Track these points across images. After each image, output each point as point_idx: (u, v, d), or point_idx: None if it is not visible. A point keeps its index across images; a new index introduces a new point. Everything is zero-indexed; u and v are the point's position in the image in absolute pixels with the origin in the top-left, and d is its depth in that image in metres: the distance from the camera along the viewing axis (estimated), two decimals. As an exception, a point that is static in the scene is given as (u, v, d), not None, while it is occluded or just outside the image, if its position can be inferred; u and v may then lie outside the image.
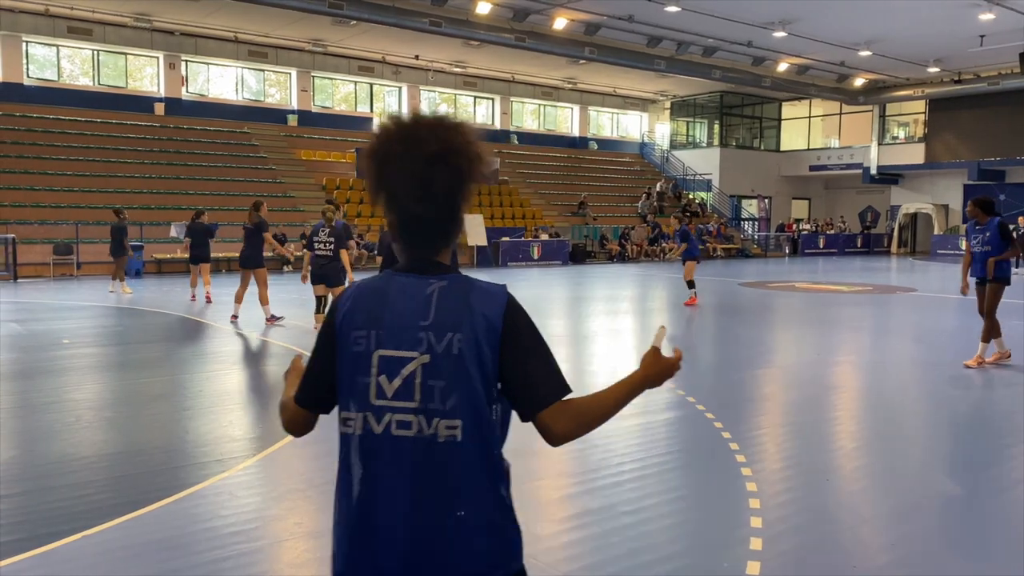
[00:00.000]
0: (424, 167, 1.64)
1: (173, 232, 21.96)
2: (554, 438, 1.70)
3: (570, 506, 4.44)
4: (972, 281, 8.73)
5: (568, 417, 1.67)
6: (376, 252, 9.75)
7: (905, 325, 12.79)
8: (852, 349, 10.34)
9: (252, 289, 11.92)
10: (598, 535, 4.01)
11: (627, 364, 9.11)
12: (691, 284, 14.52)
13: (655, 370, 1.80)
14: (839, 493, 4.74)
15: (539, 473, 5.03)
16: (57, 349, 9.57)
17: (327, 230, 10.20)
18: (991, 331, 8.46)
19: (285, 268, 21.93)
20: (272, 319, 11.51)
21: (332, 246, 10.14)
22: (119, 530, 4.02)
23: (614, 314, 13.74)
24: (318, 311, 10.53)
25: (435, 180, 1.65)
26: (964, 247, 9.26)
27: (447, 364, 1.63)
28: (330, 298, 10.24)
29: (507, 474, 1.77)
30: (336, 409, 1.78)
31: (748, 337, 11.03)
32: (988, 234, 8.38)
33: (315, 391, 1.81)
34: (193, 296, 15.00)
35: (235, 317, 11.86)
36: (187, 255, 15.63)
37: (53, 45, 26.49)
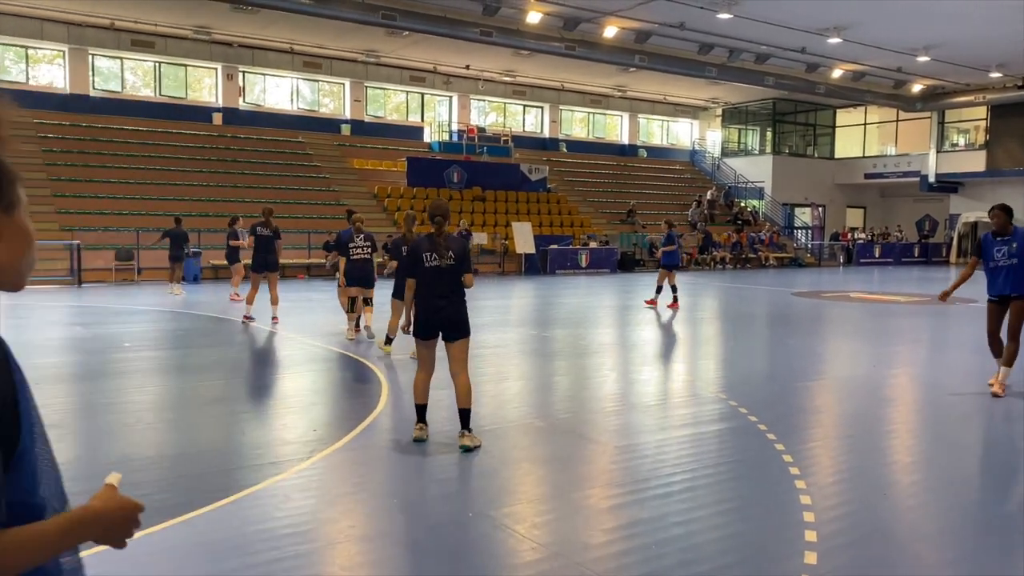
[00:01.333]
0: None
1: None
2: None
3: (620, 516, 4.42)
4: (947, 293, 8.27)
5: None
6: (390, 256, 9.90)
7: (964, 337, 12.43)
8: (909, 361, 10.10)
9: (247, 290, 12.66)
10: (648, 545, 3.99)
11: (677, 372, 9.04)
12: (659, 289, 15.22)
13: (113, 504, 1.37)
14: (896, 508, 4.64)
15: (588, 483, 5.03)
16: (119, 352, 9.86)
17: (362, 236, 10.73)
18: (1014, 354, 7.60)
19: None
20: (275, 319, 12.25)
21: (370, 249, 10.74)
22: (177, 529, 4.13)
23: (663, 323, 13.64)
24: (351, 310, 11.03)
25: None
26: (971, 260, 8.33)
27: None
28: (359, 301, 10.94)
29: None
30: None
31: (801, 348, 10.85)
32: (1015, 245, 7.54)
33: None
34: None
35: (274, 319, 12.37)
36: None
37: (117, 58, 27.39)
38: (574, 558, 3.82)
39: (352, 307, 11.03)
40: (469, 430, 5.62)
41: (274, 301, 12.33)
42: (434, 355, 5.82)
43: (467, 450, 5.47)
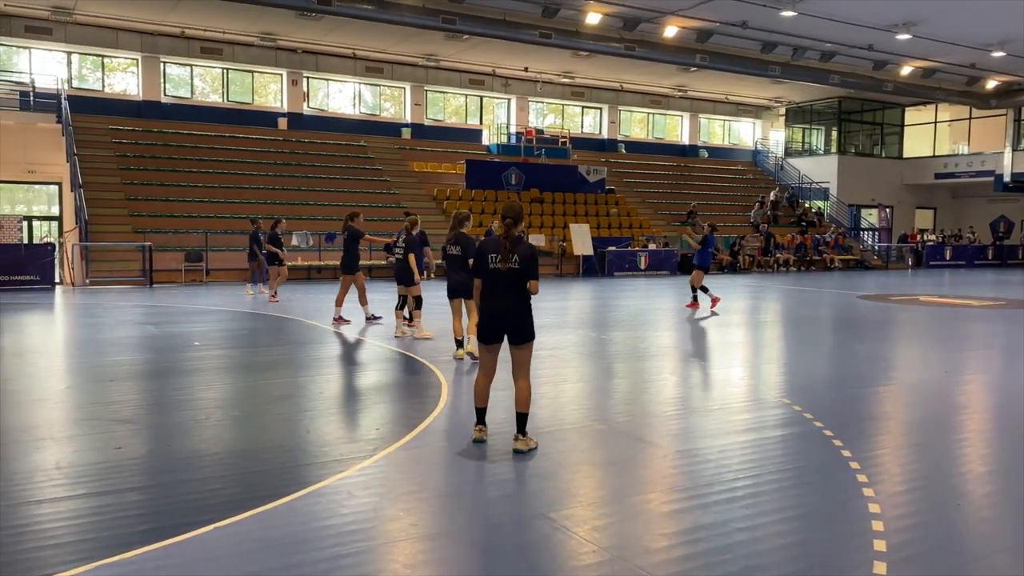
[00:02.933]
0: None
1: (295, 241, 22.95)
2: None
3: (681, 521, 4.38)
4: None
5: None
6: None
7: (1044, 343, 11.94)
8: (983, 367, 9.75)
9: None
10: (711, 551, 3.94)
11: (739, 376, 8.90)
12: (696, 289, 15.33)
13: None
14: (970, 519, 4.49)
15: (648, 487, 4.99)
16: (189, 350, 10.17)
17: (403, 238, 11.17)
18: None
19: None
20: (339, 320, 12.67)
21: (403, 252, 11.12)
22: (247, 523, 4.24)
23: (724, 326, 13.44)
24: (398, 307, 11.48)
25: None
26: None
27: None
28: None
29: None
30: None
31: (868, 352, 10.57)
32: None
33: None
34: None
35: (375, 317, 12.89)
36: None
37: (187, 65, 28.25)
38: (635, 562, 3.80)
39: (399, 305, 11.48)
40: (524, 434, 5.59)
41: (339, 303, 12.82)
42: (496, 360, 5.74)
43: (519, 453, 5.46)
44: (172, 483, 4.92)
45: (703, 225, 16.02)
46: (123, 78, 27.77)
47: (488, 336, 5.66)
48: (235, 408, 7.15)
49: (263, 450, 5.73)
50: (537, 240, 25.70)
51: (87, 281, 20.59)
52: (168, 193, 24.13)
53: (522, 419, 5.59)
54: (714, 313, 14.76)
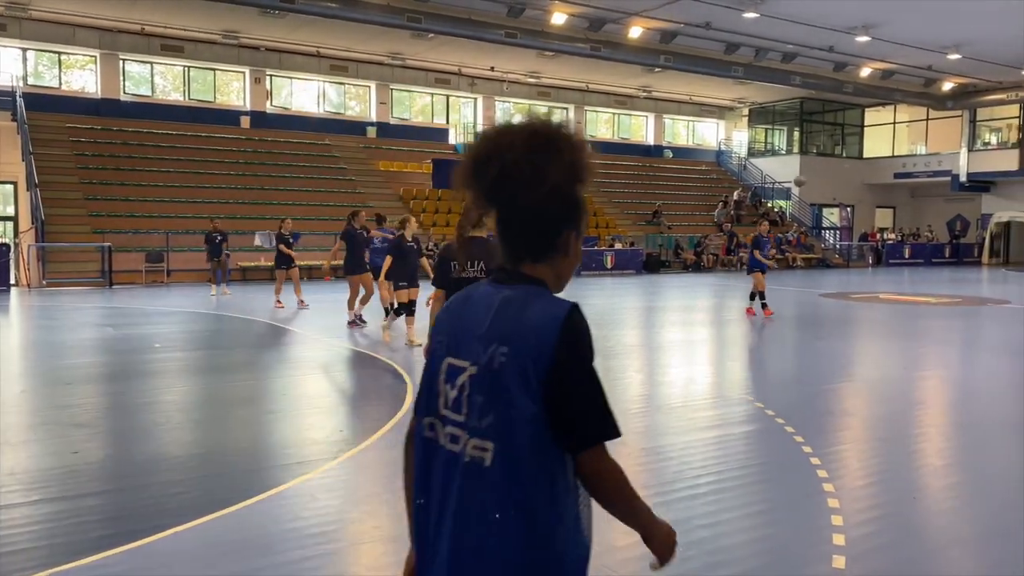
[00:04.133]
0: (500, 187, 1.59)
1: (258, 241, 22.69)
2: (584, 479, 1.54)
3: (645, 518, 4.40)
4: None
5: (589, 468, 1.52)
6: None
7: (997, 339, 12.23)
8: (940, 363, 9.95)
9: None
10: (674, 548, 3.96)
11: (702, 374, 8.98)
12: (756, 295, 14.00)
13: (667, 541, 1.65)
14: (928, 512, 4.58)
15: (614, 483, 5.01)
16: (149, 352, 10.00)
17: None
18: None
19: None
20: (354, 323, 12.30)
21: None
22: (207, 527, 4.17)
23: (689, 325, 13.56)
24: (401, 313, 10.87)
25: (519, 194, 1.58)
26: None
27: (487, 379, 1.52)
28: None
29: (555, 513, 1.51)
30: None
31: (829, 350, 10.73)
32: None
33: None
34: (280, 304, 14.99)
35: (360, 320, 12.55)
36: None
37: (148, 62, 27.79)
38: (600, 560, 3.80)
39: (401, 310, 10.81)
40: None
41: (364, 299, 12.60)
42: None
43: None
44: (131, 488, 4.83)
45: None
46: (81, 75, 27.24)
47: None
48: (196, 411, 7.05)
49: (224, 453, 5.65)
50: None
51: (44, 283, 20.16)
52: (128, 193, 23.71)
53: None
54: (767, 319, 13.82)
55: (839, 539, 4.04)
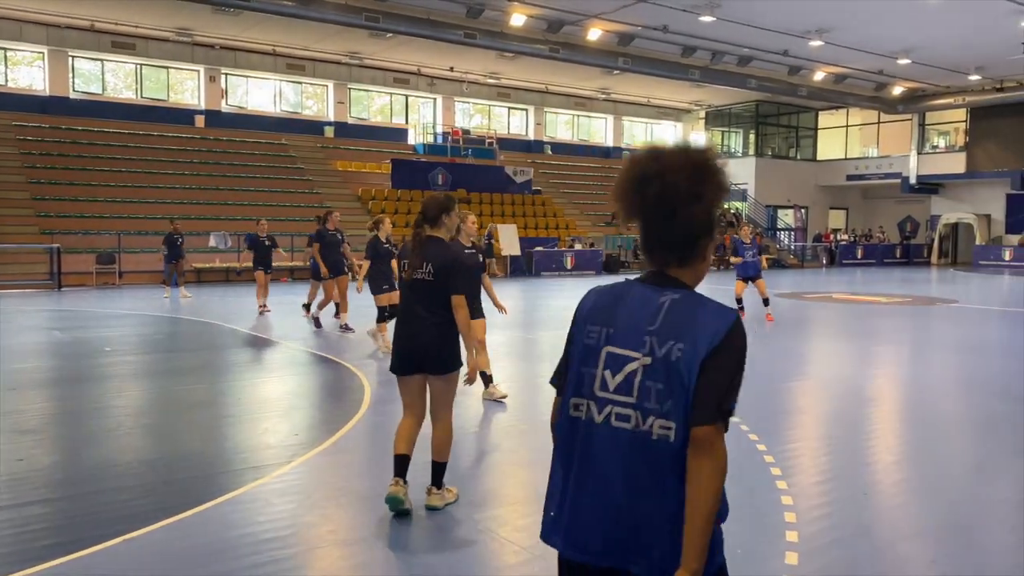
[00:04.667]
0: (660, 203, 1.86)
1: (212, 242, 22.34)
2: (692, 458, 1.78)
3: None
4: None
5: (701, 446, 1.77)
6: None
7: (946, 337, 12.54)
8: (891, 361, 10.17)
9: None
10: (631, 547, 3.98)
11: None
12: (766, 301, 13.48)
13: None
14: (878, 508, 4.66)
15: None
16: (99, 356, 9.77)
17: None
18: None
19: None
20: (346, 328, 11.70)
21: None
22: (158, 535, 4.09)
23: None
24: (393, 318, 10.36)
25: (671, 212, 1.86)
26: None
27: (664, 369, 1.80)
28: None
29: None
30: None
31: (784, 349, 10.90)
32: None
33: (562, 377, 2.01)
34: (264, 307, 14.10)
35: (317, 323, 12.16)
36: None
37: (98, 60, 27.18)
38: (556, 561, 3.81)
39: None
40: (440, 486, 4.45)
41: (343, 308, 11.98)
42: (420, 394, 4.45)
43: (434, 509, 4.40)
44: (79, 495, 4.71)
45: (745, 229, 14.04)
46: (28, 72, 26.54)
47: (403, 366, 4.39)
48: (148, 416, 6.91)
49: (177, 458, 5.54)
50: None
51: (-10, 285, 19.58)
52: (78, 193, 23.16)
53: (438, 469, 4.45)
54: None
55: (792, 536, 4.09)
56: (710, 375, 1.78)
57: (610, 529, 1.83)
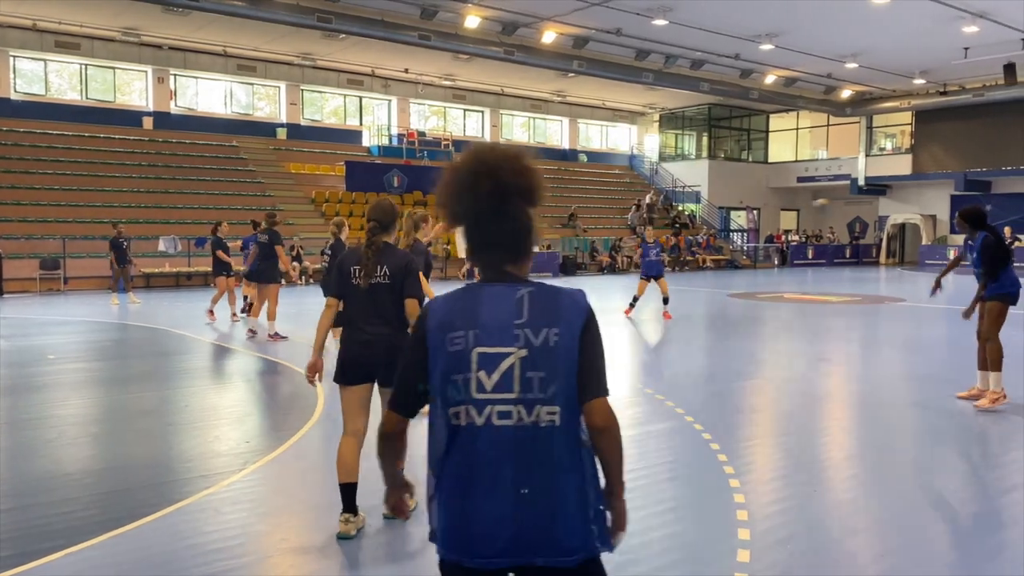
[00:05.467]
0: (495, 199, 1.96)
1: (162, 246, 21.90)
2: (590, 428, 1.93)
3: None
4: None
5: (602, 416, 1.92)
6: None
7: (894, 335, 12.84)
8: (841, 360, 10.36)
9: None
10: (586, 549, 3.98)
11: (615, 375, 9.10)
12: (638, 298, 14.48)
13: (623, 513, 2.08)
14: (828, 504, 4.74)
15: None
16: (42, 365, 9.49)
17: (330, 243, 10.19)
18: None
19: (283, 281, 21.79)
20: (275, 336, 11.24)
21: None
22: (103, 547, 3.97)
23: (602, 325, 13.72)
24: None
25: (506, 209, 1.97)
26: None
27: (544, 356, 1.90)
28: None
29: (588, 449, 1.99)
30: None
31: (737, 348, 11.04)
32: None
33: (409, 398, 2.04)
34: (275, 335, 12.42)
35: (278, 335, 11.31)
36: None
37: (40, 59, 26.44)
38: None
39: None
40: (354, 512, 4.20)
41: (270, 316, 11.50)
42: (363, 408, 4.33)
43: (346, 538, 4.12)
44: (22, 507, 4.56)
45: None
46: (-33, 72, 25.69)
47: (349, 374, 4.27)
48: (93, 425, 6.72)
49: (122, 468, 5.40)
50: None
51: (-73, 292, 18.92)
52: (20, 196, 22.50)
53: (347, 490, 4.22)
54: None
55: (744, 534, 4.13)
56: (587, 352, 1.93)
57: (512, 528, 1.88)
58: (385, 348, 4.20)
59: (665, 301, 14.23)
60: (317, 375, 4.40)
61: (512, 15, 23.16)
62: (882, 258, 36.82)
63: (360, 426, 4.32)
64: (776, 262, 35.84)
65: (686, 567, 3.81)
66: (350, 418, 4.33)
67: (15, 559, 3.79)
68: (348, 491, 4.19)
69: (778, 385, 8.52)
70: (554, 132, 39.25)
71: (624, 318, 14.22)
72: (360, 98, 33.09)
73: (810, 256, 35.88)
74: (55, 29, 25.19)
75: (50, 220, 22.00)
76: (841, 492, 4.99)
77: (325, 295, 4.52)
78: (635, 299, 14.39)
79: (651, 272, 14.32)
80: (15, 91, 25.98)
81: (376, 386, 4.31)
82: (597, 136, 40.87)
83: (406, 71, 31.12)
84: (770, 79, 31.11)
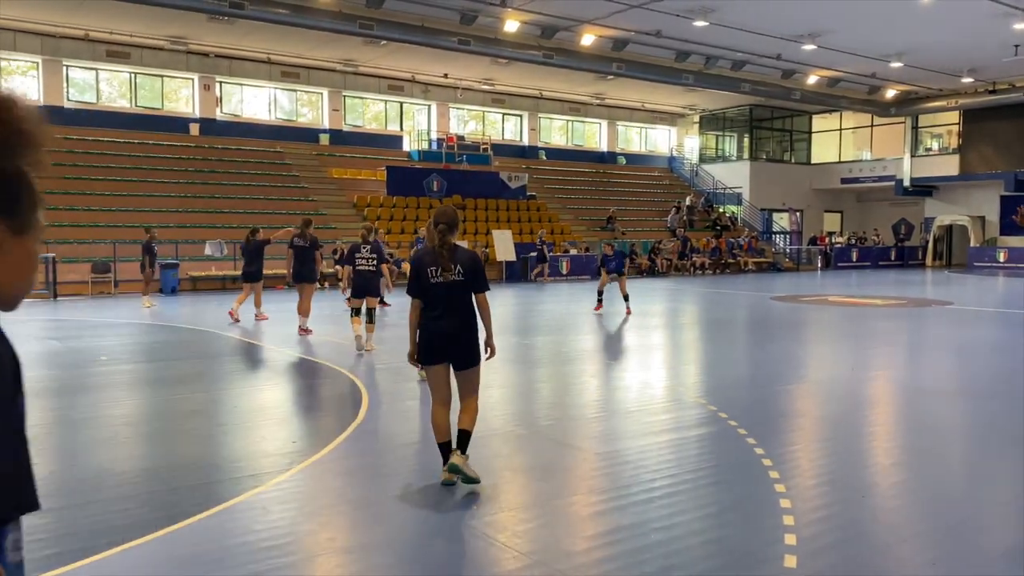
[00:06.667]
0: None
1: (208, 250, 22.32)
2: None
3: (601, 523, 4.42)
4: None
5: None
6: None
7: (941, 339, 12.58)
8: (887, 364, 10.19)
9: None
10: (630, 552, 3.99)
11: (657, 378, 9.07)
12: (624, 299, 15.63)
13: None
14: (876, 511, 4.67)
15: (569, 490, 5.03)
16: (95, 366, 9.75)
17: (368, 247, 10.62)
18: None
19: (325, 284, 22.28)
20: (305, 331, 11.99)
21: (375, 262, 10.64)
22: (156, 544, 4.08)
23: (643, 329, 13.68)
24: (355, 316, 10.70)
25: None
26: None
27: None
28: (364, 307, 10.58)
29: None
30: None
31: (780, 352, 10.92)
32: None
33: None
34: (232, 314, 14.24)
35: (307, 331, 12.12)
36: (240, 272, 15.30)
37: (92, 69, 27.16)
38: (556, 566, 3.81)
39: (355, 313, 10.76)
40: (464, 451, 4.97)
41: (304, 312, 12.19)
42: (447, 380, 5.07)
43: (456, 470, 4.87)
44: (77, 505, 4.70)
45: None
46: (22, 82, 26.47)
47: (431, 357, 5.03)
48: (144, 425, 6.89)
49: (174, 467, 5.53)
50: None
51: (-15, 295, 19.52)
52: (73, 202, 23.11)
53: (464, 437, 5.00)
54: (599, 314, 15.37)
55: (791, 539, 4.10)
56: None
57: None
58: (460, 335, 4.98)
59: (625, 299, 15.44)
60: (414, 358, 5.18)
61: (551, 19, 23.19)
62: (928, 260, 36.07)
63: (446, 395, 5.10)
64: (819, 265, 35.31)
65: (732, 571, 3.80)
66: (437, 390, 5.11)
67: (73, 555, 3.91)
68: (445, 448, 4.99)
69: (823, 389, 8.41)
70: (592, 135, 39.16)
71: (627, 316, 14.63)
72: (400, 103, 33.39)
73: (854, 258, 35.30)
74: (106, 39, 25.88)
75: (101, 225, 22.56)
76: (890, 498, 4.92)
77: (407, 294, 5.20)
78: (600, 294, 15.92)
79: (610, 268, 15.68)
80: (68, 100, 26.72)
81: (452, 370, 5.08)
82: (636, 138, 40.68)
83: (445, 76, 31.33)
84: (812, 79, 30.69)
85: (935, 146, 36.74)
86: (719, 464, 5.57)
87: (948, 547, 4.11)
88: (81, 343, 11.84)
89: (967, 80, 30.45)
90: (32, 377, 9.03)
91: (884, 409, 7.62)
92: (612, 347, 11.67)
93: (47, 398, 7.98)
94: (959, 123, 35.10)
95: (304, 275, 12.42)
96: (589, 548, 4.05)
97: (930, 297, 20.04)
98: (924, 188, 36.06)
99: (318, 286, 13.67)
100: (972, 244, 34.46)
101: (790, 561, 3.83)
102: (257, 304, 14.27)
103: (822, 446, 6.15)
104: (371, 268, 10.58)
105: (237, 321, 13.73)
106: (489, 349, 5.16)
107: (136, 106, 28.07)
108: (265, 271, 14.73)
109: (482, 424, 6.60)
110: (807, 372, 9.67)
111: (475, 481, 4.86)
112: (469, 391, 5.09)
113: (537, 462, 5.59)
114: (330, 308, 15.75)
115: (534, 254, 27.06)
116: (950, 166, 35.26)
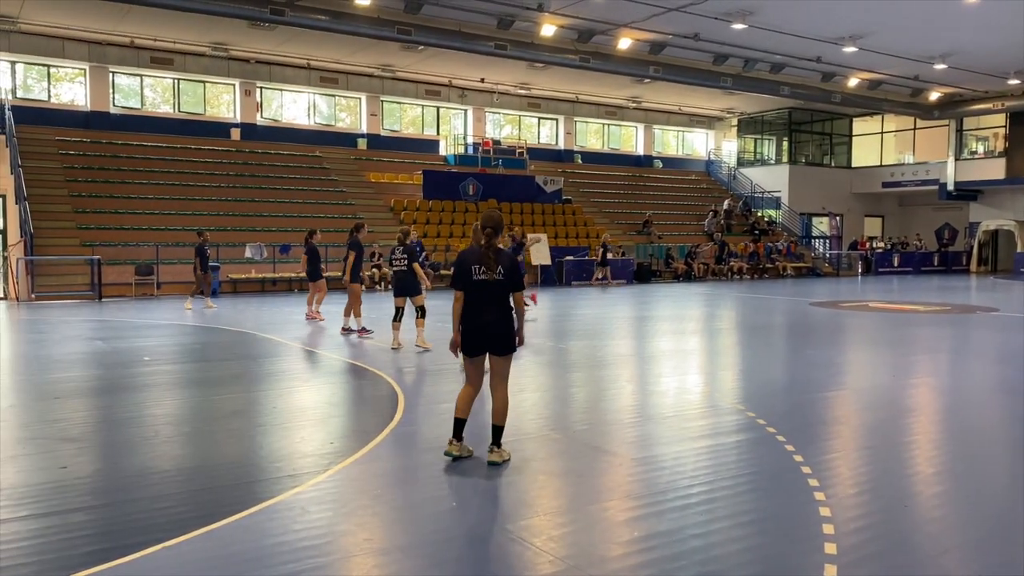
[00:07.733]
0: None
1: (248, 253, 22.66)
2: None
3: (637, 529, 4.39)
4: None
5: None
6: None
7: (986, 346, 12.29)
8: (930, 371, 9.99)
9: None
10: (666, 558, 3.96)
11: (694, 383, 8.99)
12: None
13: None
14: (919, 520, 4.58)
15: (605, 495, 5.01)
16: (138, 366, 9.94)
17: (401, 248, 11.18)
18: None
19: (378, 287, 22.77)
20: (363, 331, 12.54)
21: (406, 262, 11.14)
22: (196, 542, 4.15)
23: (680, 334, 13.57)
24: (396, 320, 11.30)
25: None
26: None
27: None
28: (412, 306, 11.27)
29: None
30: None
31: (819, 358, 10.76)
32: None
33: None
34: (316, 314, 14.74)
35: (367, 331, 12.62)
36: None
37: (137, 75, 27.76)
38: (591, 571, 3.80)
39: (397, 315, 11.29)
40: (499, 446, 5.54)
41: (357, 313, 12.72)
42: (482, 372, 5.69)
43: (495, 465, 5.42)
44: (120, 502, 4.80)
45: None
46: (70, 88, 27.17)
47: (474, 349, 5.58)
48: (186, 424, 7.01)
49: (214, 467, 5.62)
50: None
51: (32, 296, 20.05)
52: (117, 205, 23.64)
53: (498, 431, 5.53)
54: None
55: (831, 548, 4.04)
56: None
57: None
58: (499, 330, 5.52)
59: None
60: (457, 347, 5.63)
61: (588, 23, 23.16)
62: (973, 266, 35.31)
63: (478, 383, 5.71)
64: (860, 270, 34.77)
65: (769, 580, 3.75)
66: (472, 378, 5.69)
67: (115, 551, 3.99)
68: (459, 424, 5.58)
69: (863, 396, 8.27)
70: (629, 138, 39.02)
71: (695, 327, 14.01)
72: (437, 108, 33.59)
73: (896, 264, 34.69)
74: (151, 46, 26.45)
75: (144, 228, 23.04)
76: (932, 508, 4.82)
77: (451, 287, 5.72)
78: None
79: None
80: (114, 105, 27.34)
81: (488, 356, 5.61)
82: (673, 141, 40.44)
83: (482, 81, 31.46)
84: (853, 82, 30.24)
85: (980, 149, 35.95)
86: (757, 471, 5.50)
87: (992, 558, 4.01)
88: (125, 344, 12.09)
89: (1014, 82, 29.77)
90: (78, 377, 9.25)
91: (927, 417, 7.47)
92: (648, 352, 11.60)
93: (93, 397, 8.17)
94: (1005, 126, 34.32)
95: (354, 276, 12.81)
96: (624, 554, 4.04)
97: (975, 303, 19.60)
98: (969, 192, 35.32)
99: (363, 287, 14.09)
100: (1019, 249, 33.65)
101: (830, 571, 3.78)
102: (309, 302, 14.90)
103: (863, 454, 6.05)
104: (403, 268, 11.15)
105: (321, 320, 14.49)
106: (519, 339, 5.69)
107: (179, 111, 28.62)
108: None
109: (516, 427, 6.62)
110: (847, 379, 9.51)
111: (508, 461, 5.53)
112: (501, 378, 5.59)
113: (572, 467, 5.58)
114: (377, 312, 15.89)
115: (584, 257, 27.09)
116: (996, 170, 34.47)
